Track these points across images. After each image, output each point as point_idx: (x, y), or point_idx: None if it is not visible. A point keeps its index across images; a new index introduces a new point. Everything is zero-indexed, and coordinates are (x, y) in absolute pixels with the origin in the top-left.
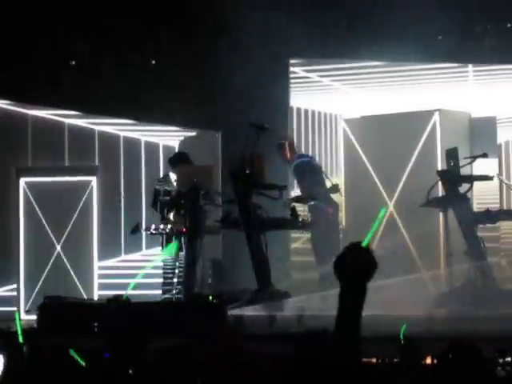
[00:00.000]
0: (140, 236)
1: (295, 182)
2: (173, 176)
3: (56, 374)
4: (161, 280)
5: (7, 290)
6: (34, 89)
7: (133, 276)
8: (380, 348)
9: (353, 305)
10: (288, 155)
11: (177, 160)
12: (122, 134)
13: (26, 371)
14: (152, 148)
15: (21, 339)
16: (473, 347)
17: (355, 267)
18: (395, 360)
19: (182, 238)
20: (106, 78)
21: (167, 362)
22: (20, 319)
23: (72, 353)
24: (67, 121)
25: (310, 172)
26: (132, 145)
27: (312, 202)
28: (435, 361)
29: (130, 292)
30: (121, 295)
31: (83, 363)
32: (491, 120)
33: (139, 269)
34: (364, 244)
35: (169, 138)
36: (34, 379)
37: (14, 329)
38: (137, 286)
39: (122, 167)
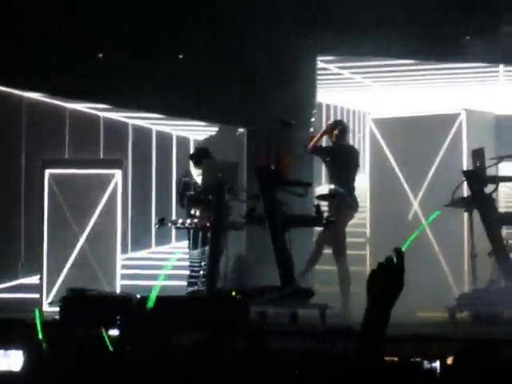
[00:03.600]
0: (169, 229)
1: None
2: (194, 171)
3: (75, 370)
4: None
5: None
6: (62, 82)
7: (161, 267)
8: (402, 347)
9: (378, 320)
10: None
11: (199, 155)
12: (154, 127)
13: (45, 367)
14: (183, 142)
15: (40, 335)
16: (494, 349)
17: (383, 288)
18: (417, 359)
19: (207, 233)
20: (134, 72)
21: (190, 357)
22: (40, 314)
23: (92, 347)
24: (101, 114)
25: (346, 161)
26: (163, 139)
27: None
28: (455, 361)
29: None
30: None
31: (104, 358)
32: None
33: (167, 260)
34: (404, 248)
35: (198, 132)
36: (53, 376)
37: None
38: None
39: (153, 161)
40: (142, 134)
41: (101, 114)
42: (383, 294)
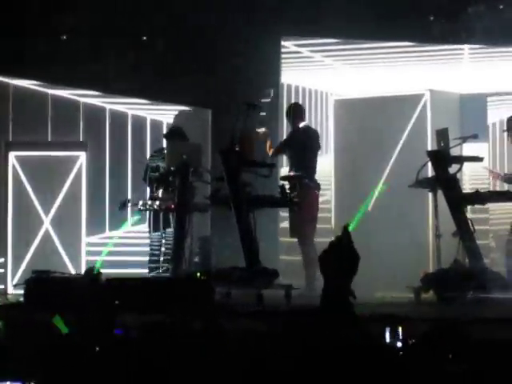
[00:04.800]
0: (125, 213)
1: (284, 157)
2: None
3: (31, 350)
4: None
5: None
6: (21, 62)
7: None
8: (366, 328)
9: (337, 298)
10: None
11: (173, 134)
12: (108, 106)
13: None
14: (139, 122)
15: None
16: (456, 329)
17: (339, 265)
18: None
19: (170, 215)
20: (99, 53)
21: (151, 338)
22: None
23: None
24: (51, 91)
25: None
26: (118, 118)
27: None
28: (418, 342)
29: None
30: (92, 268)
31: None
32: (481, 97)
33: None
34: (351, 227)
35: (156, 112)
36: (10, 355)
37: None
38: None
39: (107, 141)
40: (96, 114)
41: (50, 91)
42: (337, 270)
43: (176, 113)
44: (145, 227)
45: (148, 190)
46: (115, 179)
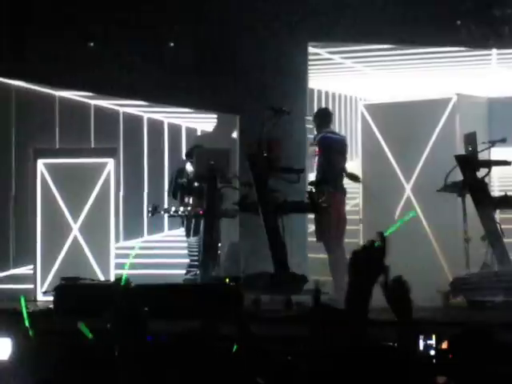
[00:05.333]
0: (162, 218)
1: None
2: (189, 168)
3: (64, 358)
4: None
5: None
6: (54, 71)
7: (153, 256)
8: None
9: (359, 300)
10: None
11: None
12: (145, 115)
13: (32, 356)
14: (175, 129)
15: (27, 323)
16: (487, 333)
17: (366, 268)
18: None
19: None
20: (128, 61)
21: (182, 345)
22: (26, 302)
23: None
24: (93, 102)
25: (334, 150)
26: (155, 126)
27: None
28: (448, 346)
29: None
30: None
31: (92, 346)
32: (509, 101)
33: (159, 249)
34: (387, 233)
35: (191, 120)
36: (42, 364)
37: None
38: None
39: (145, 148)
40: (134, 123)
41: (92, 101)
42: (363, 274)
43: (209, 119)
44: (180, 232)
45: (179, 197)
46: (153, 184)
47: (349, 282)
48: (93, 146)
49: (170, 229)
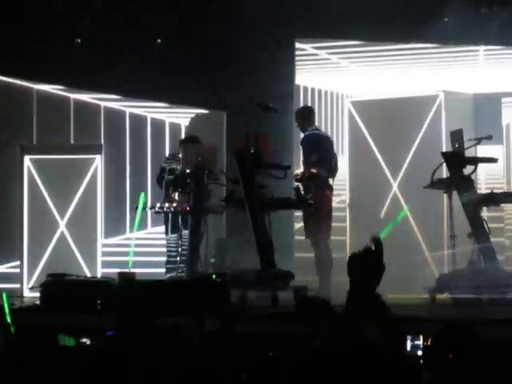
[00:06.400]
0: (145, 214)
1: (300, 158)
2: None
3: (44, 354)
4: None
5: (10, 267)
6: (39, 66)
7: (137, 254)
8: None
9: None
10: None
11: (188, 141)
12: (127, 110)
13: (12, 351)
14: (158, 125)
15: (8, 319)
16: (471, 329)
17: (366, 272)
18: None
19: (186, 217)
20: (113, 56)
21: (170, 340)
22: (8, 299)
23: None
24: (72, 96)
25: (319, 147)
26: (138, 122)
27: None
28: (433, 342)
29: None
30: (128, 272)
31: (72, 343)
32: (496, 98)
33: (144, 247)
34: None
35: (175, 115)
36: (21, 360)
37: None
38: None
39: (127, 144)
40: (115, 117)
41: (72, 95)
42: (362, 276)
43: (192, 115)
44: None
45: (163, 192)
46: (136, 181)
47: (349, 287)
48: (72, 141)
49: (153, 226)
